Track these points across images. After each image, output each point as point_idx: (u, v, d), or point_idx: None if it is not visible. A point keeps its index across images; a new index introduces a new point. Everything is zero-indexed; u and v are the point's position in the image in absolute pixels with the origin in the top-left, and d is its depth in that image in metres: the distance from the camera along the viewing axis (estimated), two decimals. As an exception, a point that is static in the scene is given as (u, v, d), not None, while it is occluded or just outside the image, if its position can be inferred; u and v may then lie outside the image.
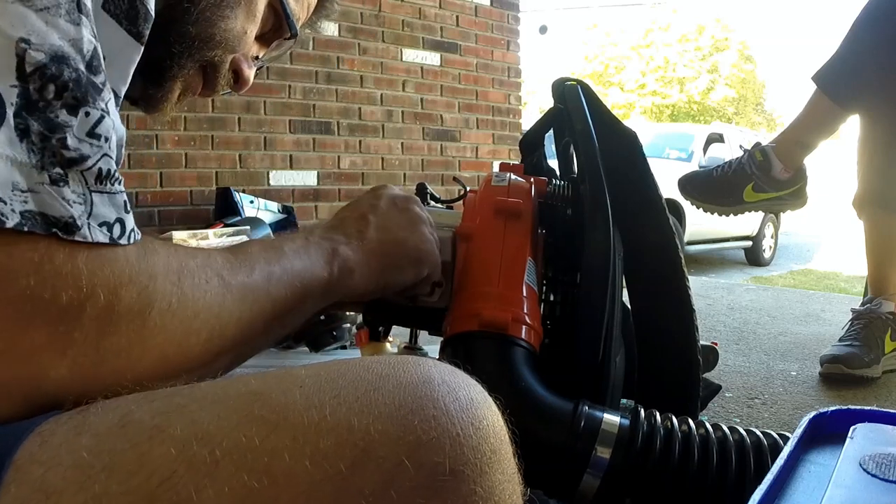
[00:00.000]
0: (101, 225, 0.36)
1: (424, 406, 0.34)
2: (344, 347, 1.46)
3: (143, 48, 0.42)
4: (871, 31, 1.57)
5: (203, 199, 3.07)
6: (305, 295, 0.51)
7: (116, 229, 0.37)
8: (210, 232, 2.49)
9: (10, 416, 0.33)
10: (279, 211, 3.14)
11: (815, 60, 1.68)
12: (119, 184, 0.37)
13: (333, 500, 0.31)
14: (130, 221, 0.38)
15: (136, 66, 0.43)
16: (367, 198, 0.62)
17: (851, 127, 1.69)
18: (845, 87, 1.60)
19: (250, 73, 0.59)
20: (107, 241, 0.36)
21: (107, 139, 0.36)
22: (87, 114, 0.35)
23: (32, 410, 0.34)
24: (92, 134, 0.35)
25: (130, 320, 0.37)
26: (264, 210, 3.04)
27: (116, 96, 0.41)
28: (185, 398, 0.34)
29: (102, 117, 0.36)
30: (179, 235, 2.38)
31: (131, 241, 0.37)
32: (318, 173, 3.43)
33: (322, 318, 1.40)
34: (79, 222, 0.34)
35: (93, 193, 0.35)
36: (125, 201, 0.38)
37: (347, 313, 1.47)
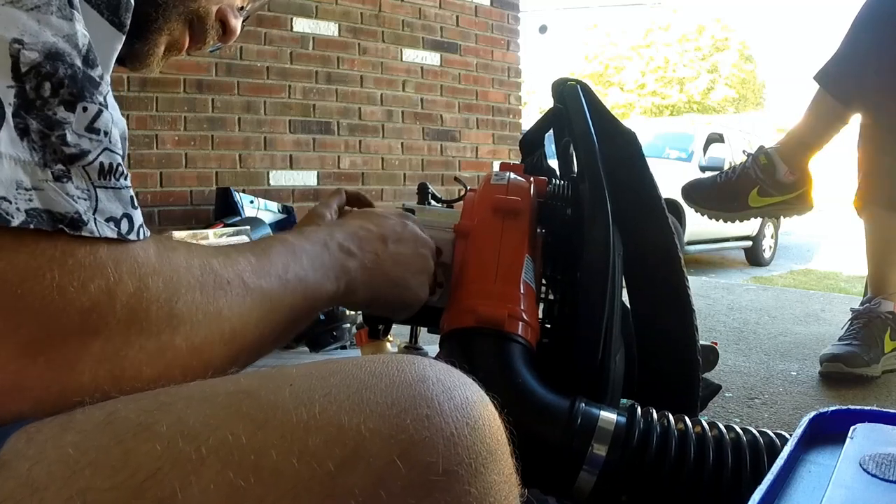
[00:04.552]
0: (107, 220, 0.35)
1: (418, 405, 0.34)
2: (344, 347, 1.46)
3: (124, 37, 0.42)
4: (872, 30, 1.57)
5: (203, 199, 3.06)
6: (314, 305, 0.52)
7: (124, 224, 0.36)
8: (210, 232, 2.49)
9: (40, 411, 0.33)
10: (279, 211, 3.13)
11: (815, 60, 1.69)
12: (125, 179, 0.37)
13: (322, 499, 0.31)
14: (138, 217, 0.37)
15: (117, 53, 0.42)
16: (396, 222, 0.63)
17: (851, 127, 1.69)
18: (848, 85, 1.60)
19: (237, 23, 0.59)
20: (115, 236, 0.35)
21: (106, 133, 0.36)
22: (85, 109, 0.35)
23: (61, 405, 0.34)
24: (91, 129, 0.35)
25: (159, 307, 0.37)
26: (264, 210, 3.04)
27: None
28: (172, 397, 0.34)
29: (100, 111, 0.36)
30: (179, 235, 2.38)
31: (140, 236, 0.37)
32: (318, 173, 3.43)
33: (322, 317, 1.41)
34: (84, 217, 0.34)
35: (97, 189, 0.35)
36: (132, 197, 0.37)
37: (347, 313, 1.47)
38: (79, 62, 0.35)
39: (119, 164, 0.36)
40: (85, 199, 0.34)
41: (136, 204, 0.37)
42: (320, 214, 0.63)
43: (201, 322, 0.39)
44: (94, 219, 0.35)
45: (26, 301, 0.32)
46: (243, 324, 0.43)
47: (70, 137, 0.34)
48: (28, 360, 0.33)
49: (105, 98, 0.36)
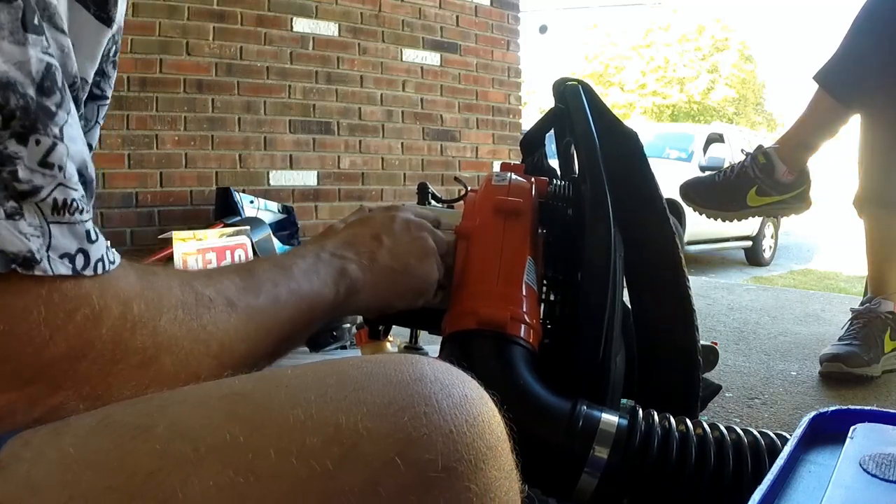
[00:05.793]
0: (61, 257, 0.34)
1: (415, 403, 0.34)
2: (344, 347, 1.46)
3: (111, 31, 0.41)
4: (872, 30, 1.57)
5: (203, 199, 3.07)
6: (312, 316, 0.52)
7: (79, 260, 0.35)
8: (210, 232, 2.49)
9: (22, 428, 0.33)
10: (279, 211, 3.13)
11: (815, 60, 1.69)
12: (81, 213, 0.36)
13: (320, 498, 0.31)
14: (97, 251, 0.36)
15: (104, 46, 0.42)
16: (384, 216, 0.64)
17: (851, 127, 1.70)
18: (847, 86, 1.60)
19: None
20: (69, 272, 0.34)
21: (61, 168, 0.34)
22: (38, 142, 0.33)
23: (44, 422, 0.34)
24: (44, 163, 0.33)
25: (143, 326, 0.37)
26: (264, 210, 3.04)
27: (84, 81, 0.40)
28: (166, 400, 0.34)
29: (55, 144, 0.34)
30: (179, 235, 2.38)
31: (98, 271, 0.36)
32: (318, 173, 3.43)
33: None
34: (37, 256, 0.33)
35: (51, 225, 0.34)
36: (88, 231, 0.36)
37: (347, 313, 1.47)
38: (32, 91, 0.33)
39: (74, 200, 0.35)
40: (38, 237, 0.33)
41: (93, 237, 0.36)
42: (335, 227, 0.64)
43: (185, 338, 0.40)
44: (48, 256, 0.34)
45: (13, 338, 0.32)
46: (231, 339, 0.43)
47: (22, 173, 0.33)
48: (15, 388, 0.33)
49: (61, 129, 0.34)
